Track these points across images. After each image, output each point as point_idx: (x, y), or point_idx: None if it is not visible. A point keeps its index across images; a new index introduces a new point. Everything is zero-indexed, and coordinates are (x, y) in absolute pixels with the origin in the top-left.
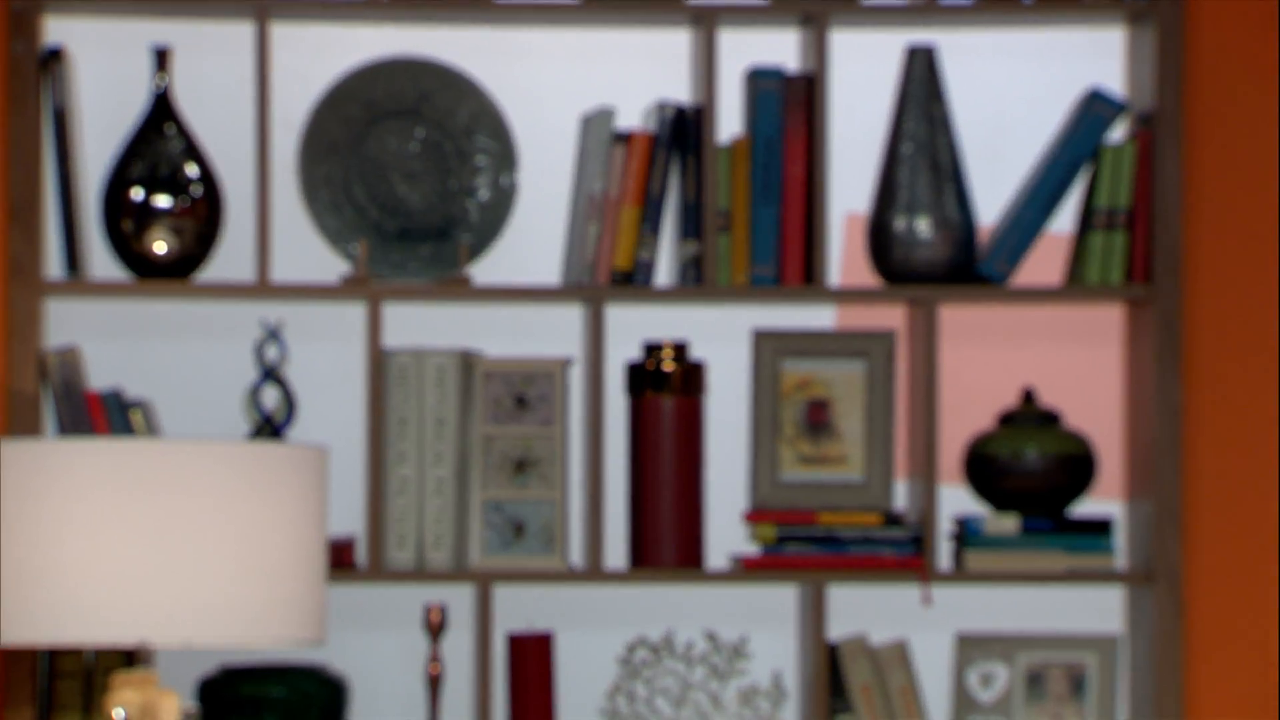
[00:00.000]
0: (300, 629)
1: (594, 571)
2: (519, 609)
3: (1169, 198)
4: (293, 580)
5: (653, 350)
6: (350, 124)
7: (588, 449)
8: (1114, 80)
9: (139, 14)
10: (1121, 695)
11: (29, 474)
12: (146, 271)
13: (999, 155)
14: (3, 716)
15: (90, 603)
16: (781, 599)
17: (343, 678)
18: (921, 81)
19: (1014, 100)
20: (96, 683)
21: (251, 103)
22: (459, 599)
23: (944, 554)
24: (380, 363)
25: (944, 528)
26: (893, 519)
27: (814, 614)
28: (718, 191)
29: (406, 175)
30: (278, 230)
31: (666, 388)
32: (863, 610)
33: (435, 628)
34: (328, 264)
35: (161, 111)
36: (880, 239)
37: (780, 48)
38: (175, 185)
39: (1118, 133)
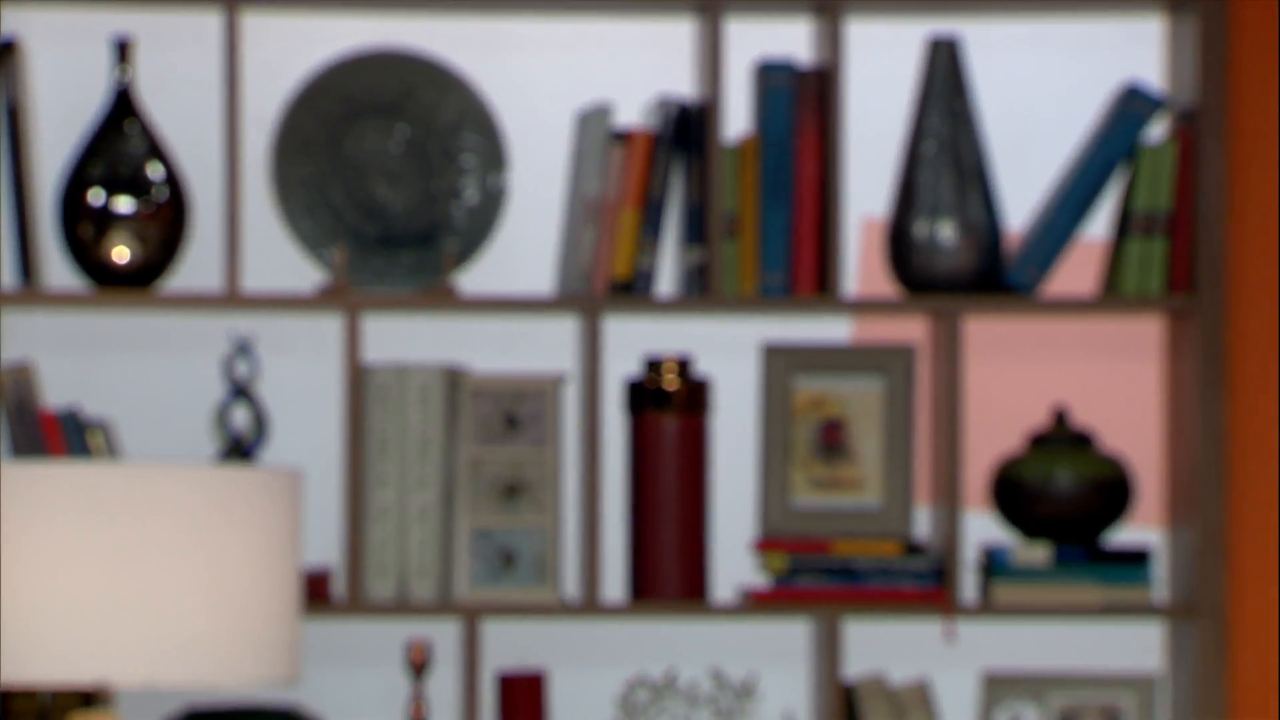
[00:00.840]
0: (272, 667)
1: (590, 605)
2: (509, 645)
3: (1212, 200)
4: (264, 614)
5: (654, 366)
6: (327, 121)
7: (584, 472)
8: (1152, 74)
9: (99, 3)
10: None
11: None
12: (106, 280)
13: (1028, 155)
14: None
15: (45, 639)
16: (793, 635)
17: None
18: (944, 75)
19: (1044, 96)
20: None
21: (220, 98)
22: (444, 635)
23: (969, 586)
24: (359, 379)
25: (969, 557)
26: (913, 548)
27: (828, 651)
28: (724, 194)
29: (387, 176)
30: (248, 236)
31: (669, 406)
32: (881, 647)
33: (418, 666)
34: (302, 272)
35: (123, 108)
36: (900, 246)
37: (791, 39)
38: (138, 187)
39: (1156, 130)
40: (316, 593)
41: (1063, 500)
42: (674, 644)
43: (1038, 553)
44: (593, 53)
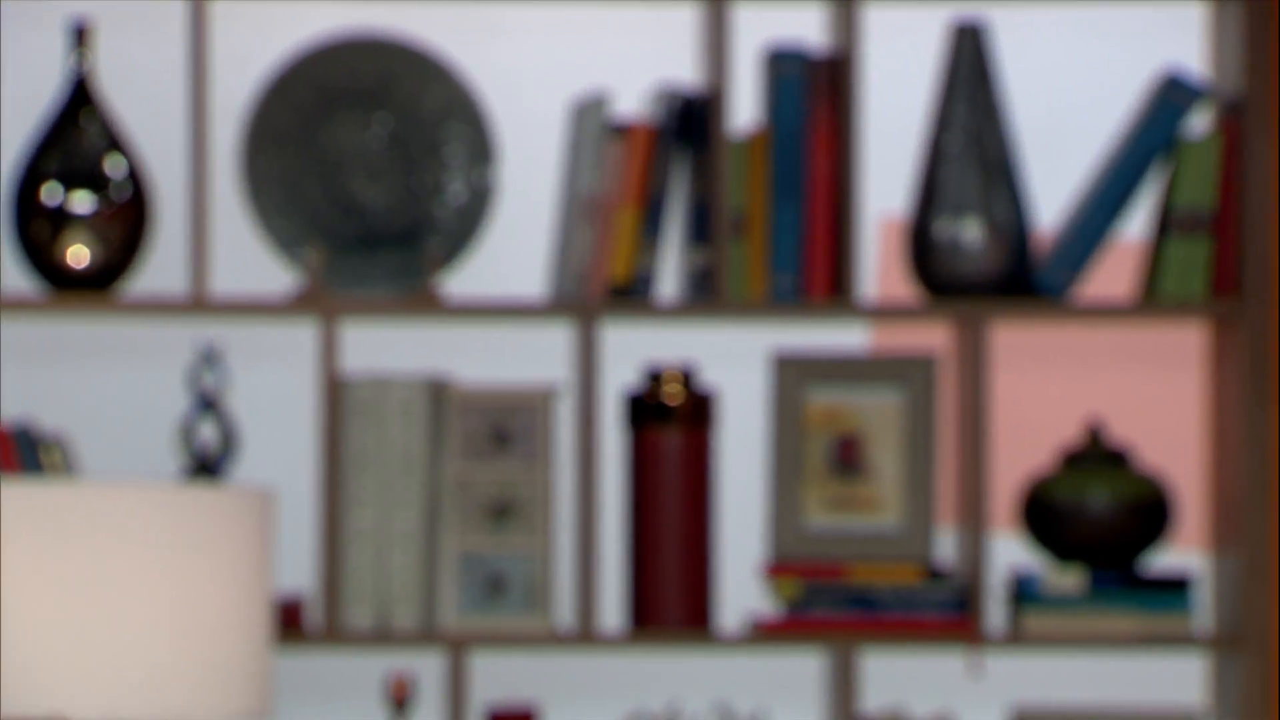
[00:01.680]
0: (241, 700)
1: (586, 635)
2: (498, 679)
3: (1259, 198)
4: (233, 645)
5: (654, 377)
6: (301, 112)
7: (579, 492)
8: (1194, 61)
9: None
10: None
11: None
12: (62, 284)
13: (1059, 149)
14: None
15: None
16: (805, 667)
17: None
18: (969, 63)
19: (1077, 85)
20: None
21: (186, 87)
22: (428, 667)
23: (995, 614)
24: (336, 391)
25: (995, 583)
26: (935, 573)
27: (843, 685)
28: (730, 191)
29: (366, 172)
30: (216, 237)
31: (670, 421)
32: (901, 681)
33: (400, 700)
34: (274, 276)
35: (81, 98)
36: (921, 246)
37: (803, 23)
38: (97, 183)
39: (1198, 122)
40: (290, 621)
41: (1097, 522)
42: (676, 677)
43: (1070, 579)
44: (588, 38)
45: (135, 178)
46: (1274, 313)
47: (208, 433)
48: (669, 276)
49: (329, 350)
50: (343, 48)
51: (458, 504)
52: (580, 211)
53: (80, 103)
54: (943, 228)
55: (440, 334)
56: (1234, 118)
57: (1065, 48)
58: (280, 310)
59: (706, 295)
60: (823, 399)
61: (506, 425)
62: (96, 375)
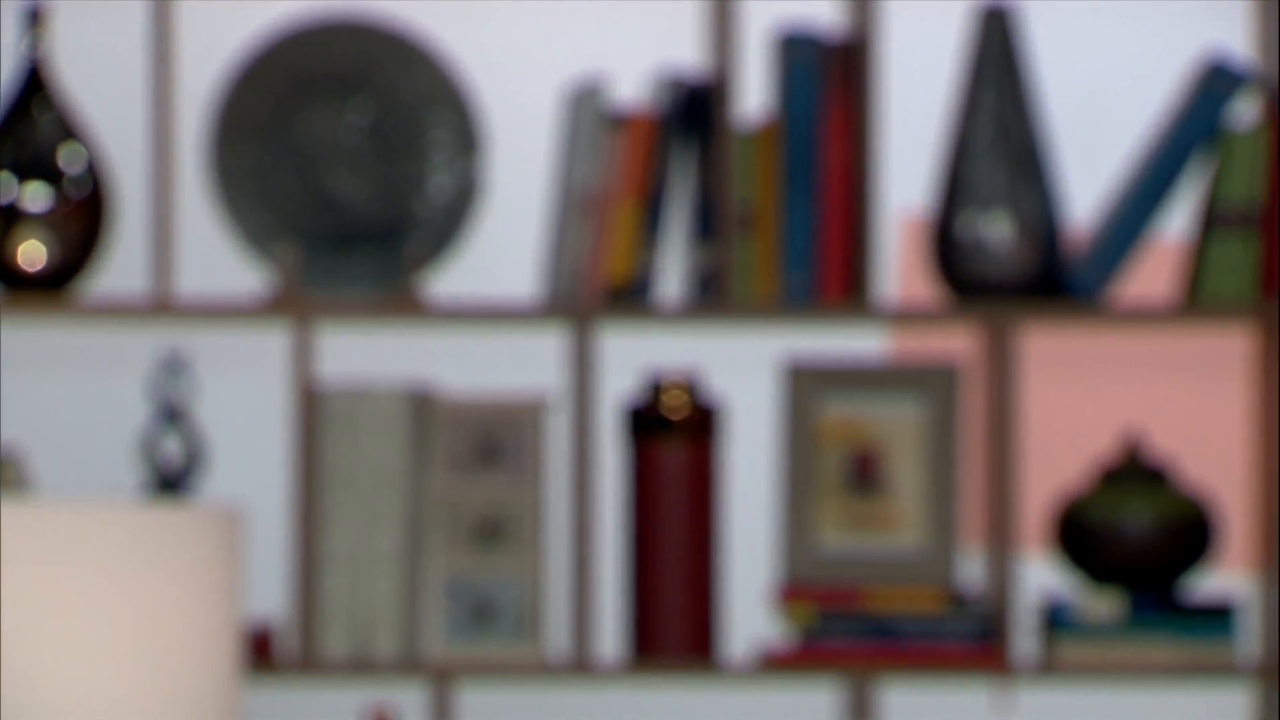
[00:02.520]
0: None
1: (581, 664)
2: (486, 712)
3: None
4: (199, 676)
5: (656, 386)
6: (273, 100)
7: (573, 511)
8: (1238, 46)
9: None
10: None
11: None
12: (14, 285)
13: (1094, 140)
14: None
15: None
16: (818, 701)
17: None
18: (997, 48)
19: (1113, 71)
20: None
21: (149, 73)
22: (410, 699)
23: (1025, 643)
24: (311, 401)
25: (1025, 608)
26: (959, 598)
27: (859, 719)
28: (738, 185)
29: (344, 164)
30: (182, 234)
31: (673, 433)
32: (922, 715)
33: None
34: (244, 276)
35: (35, 85)
36: (944, 244)
37: (817, 5)
38: (52, 176)
39: (1244, 112)
40: (261, 651)
41: (1136, 544)
42: (679, 711)
43: (1106, 605)
44: (584, 20)
45: (94, 171)
46: None
47: (171, 446)
48: (671, 277)
49: (303, 357)
50: (318, 30)
51: (442, 523)
52: (575, 207)
53: (34, 90)
54: (968, 224)
55: (424, 339)
56: None
57: (1100, 30)
58: (250, 313)
59: (712, 297)
60: (838, 410)
61: (495, 438)
62: (51, 384)
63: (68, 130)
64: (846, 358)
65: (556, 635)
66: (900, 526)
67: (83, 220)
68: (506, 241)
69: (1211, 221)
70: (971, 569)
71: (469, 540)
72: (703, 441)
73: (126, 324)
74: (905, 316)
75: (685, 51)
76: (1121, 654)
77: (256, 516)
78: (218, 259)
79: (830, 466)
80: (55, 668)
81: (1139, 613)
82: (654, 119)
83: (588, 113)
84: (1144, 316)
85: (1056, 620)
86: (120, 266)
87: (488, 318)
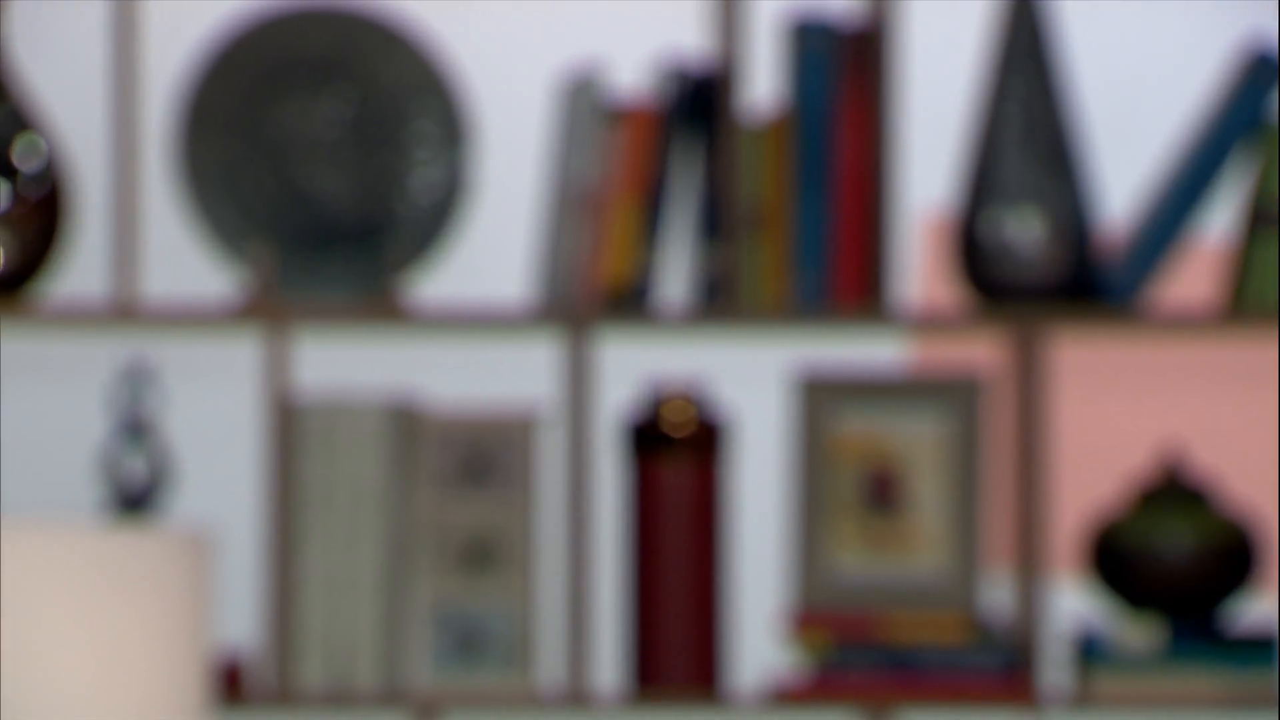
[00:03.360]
0: None
1: (577, 696)
2: None
3: None
4: (166, 711)
5: (658, 398)
6: (245, 90)
7: (569, 532)
8: None
9: None
10: None
11: None
12: None
13: (1129, 133)
14: None
15: None
16: None
17: None
18: (1026, 35)
19: (1149, 60)
20: None
21: (112, 62)
22: None
23: (1055, 674)
24: (286, 415)
25: (1054, 636)
26: (985, 626)
27: None
28: (746, 181)
29: (321, 158)
30: (147, 233)
31: (676, 450)
32: None
33: None
34: (214, 279)
35: None
36: (968, 245)
37: None
38: (8, 173)
39: None
40: (232, 683)
41: (1175, 569)
42: None
43: (1143, 633)
44: (581, 4)
45: (53, 166)
46: None
47: (135, 463)
48: (674, 280)
49: (277, 366)
50: (293, 15)
51: (427, 546)
52: (571, 204)
53: None
54: (994, 223)
55: (407, 347)
56: None
57: (1136, 15)
58: (221, 319)
59: (718, 302)
60: (854, 425)
61: (484, 455)
62: (6, 394)
63: (25, 123)
64: (863, 368)
65: (550, 666)
66: (921, 549)
67: (41, 219)
68: (496, 242)
69: (1255, 220)
70: (998, 595)
71: (456, 564)
72: (708, 458)
73: (87, 330)
74: (926, 323)
75: (689, 38)
76: (1159, 686)
77: (227, 539)
78: (185, 261)
79: (845, 485)
80: (12, 700)
81: (1178, 642)
82: (656, 110)
83: (584, 103)
84: (1183, 323)
85: (1089, 650)
86: (81, 268)
87: (476, 324)
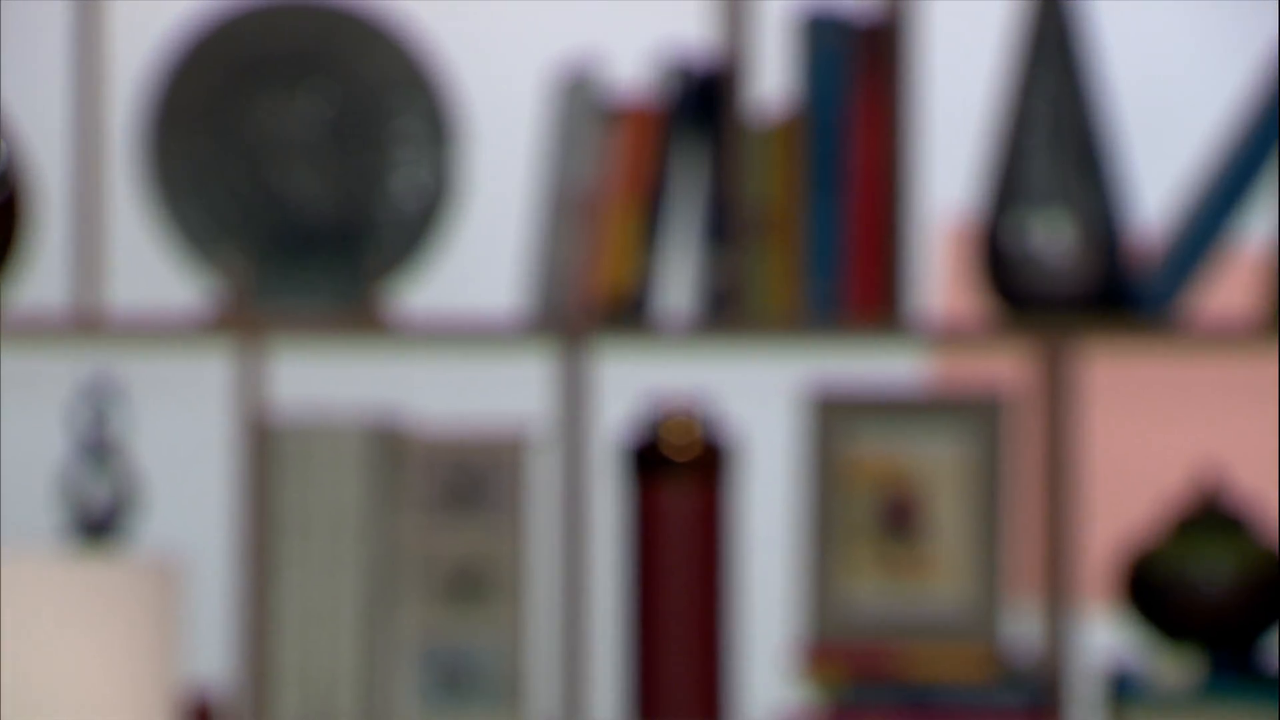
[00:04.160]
0: None
1: None
2: None
3: None
4: None
5: (659, 417)
6: (217, 87)
7: (563, 561)
8: None
9: None
10: None
11: None
12: None
13: (1164, 133)
14: None
15: None
16: None
17: None
18: (1053, 29)
19: (1185, 57)
20: None
21: (74, 58)
22: None
23: (1085, 712)
24: (261, 435)
25: (1085, 673)
26: (1009, 661)
27: None
28: (754, 184)
29: (298, 159)
30: (113, 239)
31: (679, 472)
32: None
33: None
34: (184, 289)
35: None
36: (992, 251)
37: None
38: None
39: None
40: None
41: (1214, 600)
42: None
43: (1180, 669)
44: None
45: (11, 168)
46: None
47: (98, 486)
48: (676, 290)
49: (251, 383)
50: (268, 8)
51: (412, 576)
52: (566, 209)
53: None
54: (1019, 229)
55: (391, 362)
56: None
57: (1172, 8)
58: (191, 332)
59: (723, 313)
60: (869, 446)
61: (473, 478)
62: None
63: None
64: (879, 384)
65: (543, 702)
66: (941, 579)
67: None
68: (486, 248)
69: None
70: (1023, 627)
71: (442, 595)
72: (712, 481)
73: (47, 343)
74: (946, 336)
75: (693, 31)
76: None
77: (197, 568)
78: (152, 269)
79: (860, 510)
80: None
81: (1216, 678)
82: (657, 108)
83: (581, 100)
84: (1222, 336)
85: (1121, 687)
86: (41, 277)
87: (464, 337)
